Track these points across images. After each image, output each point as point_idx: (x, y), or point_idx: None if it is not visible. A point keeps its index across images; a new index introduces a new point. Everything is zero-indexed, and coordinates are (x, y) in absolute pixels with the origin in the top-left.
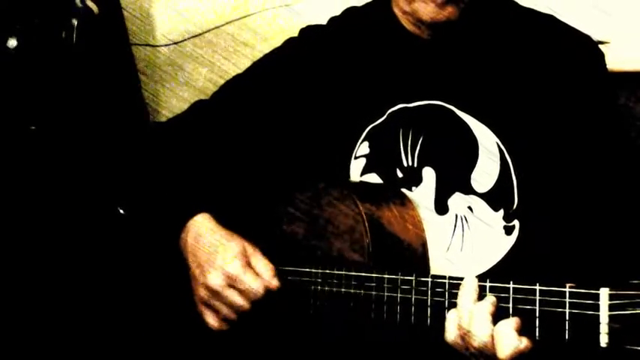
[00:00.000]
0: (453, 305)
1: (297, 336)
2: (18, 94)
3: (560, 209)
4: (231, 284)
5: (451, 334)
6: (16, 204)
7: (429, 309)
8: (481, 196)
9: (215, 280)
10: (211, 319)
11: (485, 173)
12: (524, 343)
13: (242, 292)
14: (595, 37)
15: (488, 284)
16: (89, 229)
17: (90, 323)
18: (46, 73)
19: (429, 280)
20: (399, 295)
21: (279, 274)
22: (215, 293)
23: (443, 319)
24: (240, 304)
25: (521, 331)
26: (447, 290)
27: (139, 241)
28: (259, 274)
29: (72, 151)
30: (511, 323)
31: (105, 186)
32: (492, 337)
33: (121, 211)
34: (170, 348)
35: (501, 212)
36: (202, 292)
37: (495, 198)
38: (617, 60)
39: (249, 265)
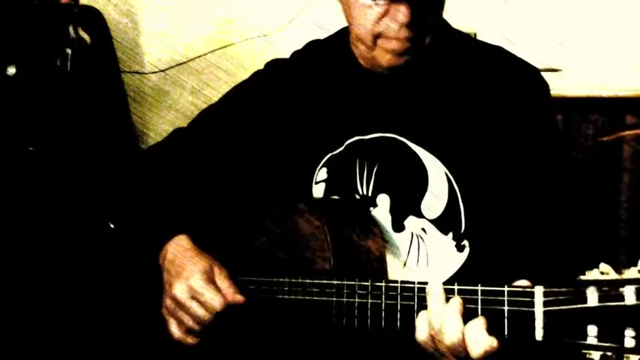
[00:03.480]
0: (406, 308)
1: (266, 344)
2: (16, 118)
3: (505, 229)
4: (194, 296)
5: (421, 334)
6: (16, 218)
7: (383, 312)
8: (431, 221)
9: (179, 291)
10: (174, 328)
11: (434, 201)
12: (494, 342)
13: (203, 305)
14: (549, 65)
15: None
16: (82, 241)
17: (81, 327)
18: (42, 98)
19: (383, 284)
20: (356, 300)
21: (242, 290)
22: (179, 304)
23: (396, 321)
24: (201, 315)
25: (490, 331)
26: (399, 294)
27: (126, 255)
28: (221, 290)
29: (67, 170)
30: (481, 323)
31: (96, 202)
32: (463, 335)
33: (112, 226)
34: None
35: (450, 235)
36: (168, 303)
37: (444, 223)
38: (569, 86)
39: (212, 281)
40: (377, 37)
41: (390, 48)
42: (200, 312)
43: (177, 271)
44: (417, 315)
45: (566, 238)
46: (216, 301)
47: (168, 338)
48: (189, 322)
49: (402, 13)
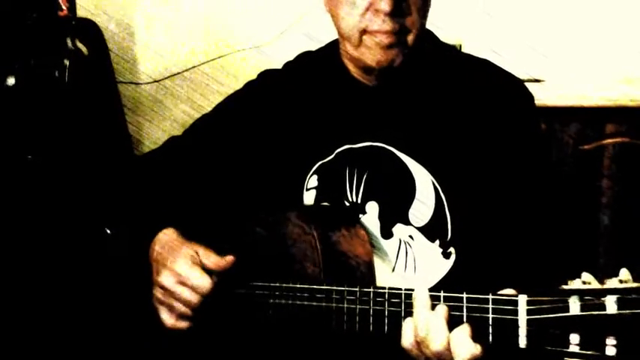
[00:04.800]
0: (393, 313)
1: (255, 347)
2: (16, 127)
3: (490, 237)
4: (181, 281)
5: (407, 340)
6: (16, 223)
7: (371, 317)
8: (418, 229)
9: (166, 279)
10: (165, 316)
11: (421, 209)
12: (478, 349)
13: (191, 288)
14: (532, 75)
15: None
16: (80, 245)
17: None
18: (41, 108)
19: (371, 290)
20: (345, 305)
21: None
22: (167, 291)
23: (383, 326)
24: (190, 299)
25: (475, 338)
26: (387, 300)
27: (122, 257)
28: (210, 268)
29: (64, 177)
30: (466, 330)
31: (94, 208)
32: (448, 342)
33: (108, 231)
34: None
35: (437, 242)
36: (158, 292)
37: (431, 231)
38: (551, 96)
39: (198, 264)
40: (362, 33)
41: (375, 42)
42: (189, 295)
43: (164, 260)
44: (404, 321)
45: (549, 245)
46: (204, 282)
47: (161, 329)
48: (180, 307)
49: (384, 2)
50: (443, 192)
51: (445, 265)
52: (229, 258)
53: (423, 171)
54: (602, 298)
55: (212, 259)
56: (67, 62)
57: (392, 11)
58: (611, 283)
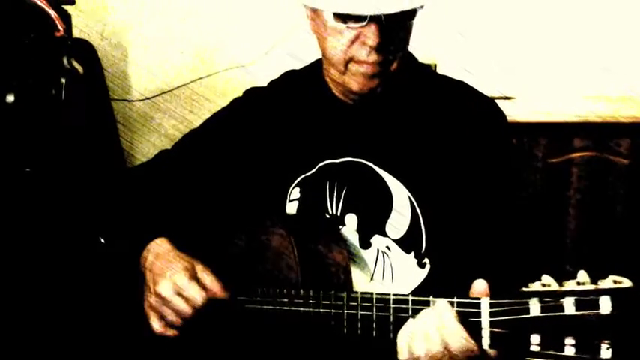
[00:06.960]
0: (365, 317)
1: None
2: (15, 141)
3: (463, 248)
4: (178, 292)
5: (405, 338)
6: (14, 233)
7: (345, 321)
8: (395, 241)
9: (164, 288)
10: (156, 323)
11: (397, 223)
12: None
13: (187, 300)
14: (503, 93)
15: (391, 297)
16: (75, 253)
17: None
18: (38, 123)
19: (344, 295)
20: (321, 310)
21: (227, 289)
22: (163, 300)
23: (357, 329)
24: (184, 310)
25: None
26: (359, 304)
27: (113, 264)
28: (206, 287)
29: (60, 189)
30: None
31: (88, 218)
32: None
33: (102, 240)
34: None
35: (412, 253)
36: (152, 299)
37: (407, 243)
38: (521, 112)
39: (195, 278)
40: (348, 61)
41: (361, 71)
42: (183, 307)
43: (161, 270)
44: (375, 324)
45: (518, 254)
46: (199, 296)
47: (150, 334)
48: (172, 316)
49: (371, 37)
50: (418, 206)
51: (420, 274)
52: (222, 292)
53: (400, 186)
54: (561, 300)
55: (209, 280)
56: (63, 80)
57: (378, 46)
58: (570, 285)
